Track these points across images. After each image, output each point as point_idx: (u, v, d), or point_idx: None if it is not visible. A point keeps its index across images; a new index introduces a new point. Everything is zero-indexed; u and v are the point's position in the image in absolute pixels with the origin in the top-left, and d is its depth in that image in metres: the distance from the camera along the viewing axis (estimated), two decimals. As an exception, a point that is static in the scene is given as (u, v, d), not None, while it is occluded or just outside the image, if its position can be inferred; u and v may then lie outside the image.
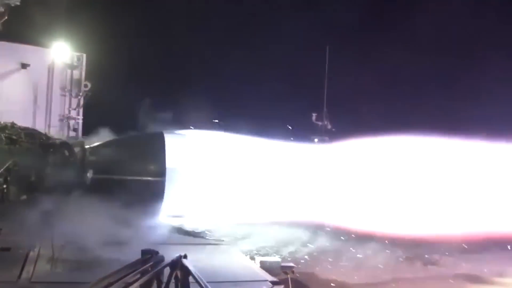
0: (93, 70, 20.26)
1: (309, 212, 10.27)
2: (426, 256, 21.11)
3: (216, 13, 32.75)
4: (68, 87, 19.60)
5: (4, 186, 9.33)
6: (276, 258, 11.72)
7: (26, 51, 18.66)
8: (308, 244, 18.78)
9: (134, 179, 9.89)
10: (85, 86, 19.69)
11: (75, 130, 19.40)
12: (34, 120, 17.96)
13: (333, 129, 27.75)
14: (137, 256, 6.19)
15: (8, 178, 9.35)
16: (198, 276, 6.04)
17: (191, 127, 10.95)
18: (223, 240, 10.57)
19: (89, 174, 9.77)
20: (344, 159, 10.49)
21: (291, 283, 11.02)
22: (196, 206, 10.21)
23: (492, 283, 17.60)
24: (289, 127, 21.63)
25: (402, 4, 34.59)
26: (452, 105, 30.33)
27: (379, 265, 19.61)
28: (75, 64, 19.60)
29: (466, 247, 19.42)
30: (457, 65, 31.91)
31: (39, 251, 8.30)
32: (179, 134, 10.61)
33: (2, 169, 9.22)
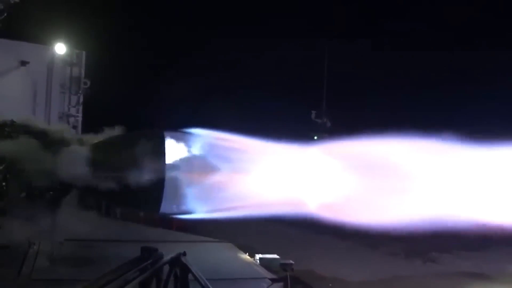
0: (93, 67, 20.24)
1: (305, 207, 10.23)
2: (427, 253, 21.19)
3: (215, 11, 32.77)
4: (68, 85, 19.52)
5: (3, 183, 9.32)
6: (275, 256, 11.73)
7: (25, 49, 18.57)
8: (306, 241, 18.83)
9: (133, 176, 9.86)
10: (85, 83, 19.63)
11: (74, 127, 19.34)
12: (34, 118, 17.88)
13: (328, 125, 27.81)
14: (137, 253, 6.19)
15: (8, 176, 9.33)
16: (198, 274, 6.06)
17: (189, 126, 10.89)
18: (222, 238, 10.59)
19: (88, 172, 9.74)
20: (342, 155, 10.45)
21: (290, 281, 11.03)
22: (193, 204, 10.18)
23: (491, 280, 17.60)
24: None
25: (401, 3, 34.65)
26: (450, 102, 30.42)
27: (378, 262, 19.65)
28: (75, 61, 19.55)
29: (465, 244, 19.46)
30: (456, 62, 31.96)
31: (38, 248, 8.31)
32: (178, 133, 10.57)
33: (1, 167, 9.20)
